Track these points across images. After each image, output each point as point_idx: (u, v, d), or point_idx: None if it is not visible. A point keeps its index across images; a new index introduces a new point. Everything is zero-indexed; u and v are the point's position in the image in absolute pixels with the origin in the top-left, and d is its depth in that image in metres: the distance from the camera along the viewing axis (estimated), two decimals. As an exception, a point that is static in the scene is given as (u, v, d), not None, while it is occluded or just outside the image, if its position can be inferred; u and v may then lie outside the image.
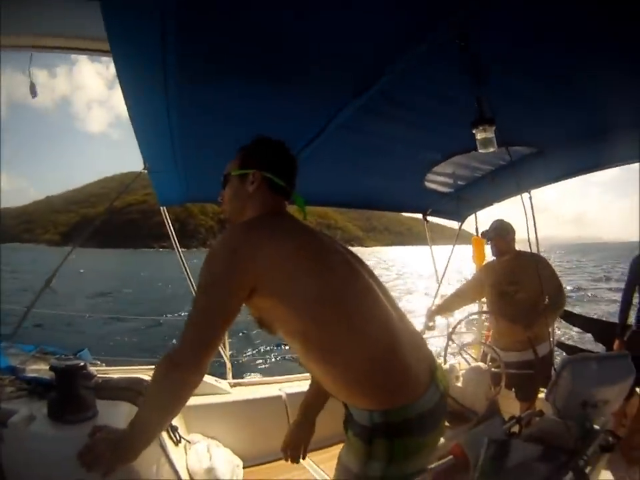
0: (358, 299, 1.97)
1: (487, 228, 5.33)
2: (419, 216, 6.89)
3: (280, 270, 1.89)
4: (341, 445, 4.15)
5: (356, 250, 2.60)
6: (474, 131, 2.62)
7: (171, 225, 5.09)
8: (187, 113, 3.15)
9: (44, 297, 4.00)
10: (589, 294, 40.91)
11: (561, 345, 6.10)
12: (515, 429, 2.58)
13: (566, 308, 5.54)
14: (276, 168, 2.33)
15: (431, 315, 5.38)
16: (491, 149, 2.65)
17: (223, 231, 2.01)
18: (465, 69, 2.34)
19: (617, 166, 5.30)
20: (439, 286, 6.87)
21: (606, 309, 30.52)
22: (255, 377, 5.28)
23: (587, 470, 2.17)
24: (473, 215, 6.99)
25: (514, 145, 4.51)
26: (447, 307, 5.56)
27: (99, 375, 3.20)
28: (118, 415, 2.67)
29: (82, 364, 2.52)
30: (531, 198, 6.12)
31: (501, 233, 5.08)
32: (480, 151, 2.69)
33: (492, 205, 6.71)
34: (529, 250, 4.87)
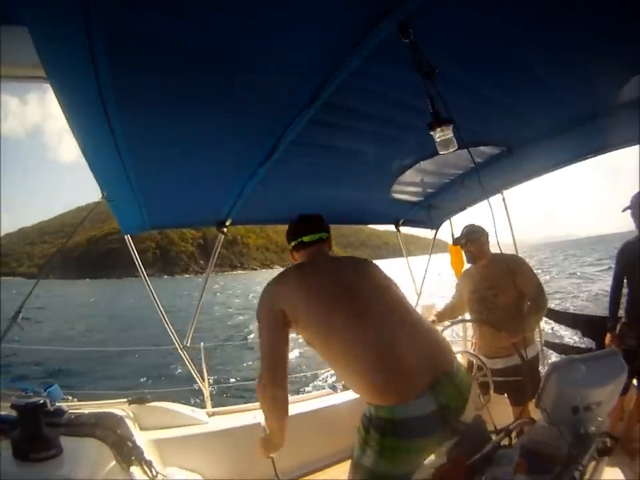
0: (345, 326, 2.51)
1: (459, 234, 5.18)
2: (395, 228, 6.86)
3: (291, 311, 2.62)
4: (326, 472, 4.09)
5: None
6: (432, 133, 2.53)
7: (136, 253, 4.88)
8: (134, 140, 3.03)
9: (25, 331, 3.93)
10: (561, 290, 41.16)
11: (550, 344, 6.03)
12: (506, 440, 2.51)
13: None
14: (290, 235, 3.19)
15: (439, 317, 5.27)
16: (452, 149, 2.56)
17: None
18: (414, 69, 2.28)
19: (585, 159, 5.30)
20: (418, 297, 6.76)
21: (582, 303, 30.89)
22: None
23: (585, 478, 2.07)
24: (449, 222, 6.93)
25: (481, 145, 4.51)
26: (440, 319, 5.37)
27: (70, 411, 3.17)
28: (84, 452, 2.69)
29: (42, 401, 2.62)
30: (504, 199, 6.14)
31: (471, 238, 4.91)
32: (440, 152, 2.60)
33: (465, 209, 6.67)
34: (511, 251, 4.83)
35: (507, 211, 6.41)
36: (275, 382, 2.59)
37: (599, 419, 2.58)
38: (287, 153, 3.56)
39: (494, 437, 2.52)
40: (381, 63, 2.53)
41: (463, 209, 6.62)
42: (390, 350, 2.40)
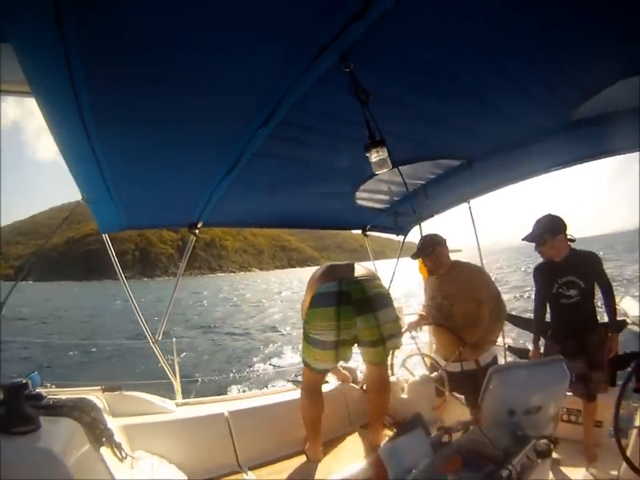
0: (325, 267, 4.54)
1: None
2: (371, 233, 6.99)
3: None
4: (285, 462, 4.19)
5: (312, 269, 4.84)
6: (367, 155, 2.71)
7: (114, 252, 4.97)
8: (111, 146, 3.15)
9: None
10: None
11: (512, 349, 6.09)
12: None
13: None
14: None
15: (410, 326, 5.25)
16: (386, 169, 2.76)
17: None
18: (353, 93, 2.50)
19: (542, 174, 5.51)
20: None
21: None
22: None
23: (514, 477, 2.12)
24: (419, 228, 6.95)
25: (441, 158, 4.67)
26: (419, 322, 5.36)
27: (49, 397, 3.29)
28: (61, 429, 2.84)
29: (24, 382, 2.80)
30: (470, 208, 6.24)
31: (425, 252, 4.99)
32: (375, 172, 2.80)
33: (432, 217, 6.77)
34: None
35: (472, 219, 6.47)
36: None
37: (540, 422, 2.66)
38: (252, 163, 3.71)
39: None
40: (329, 86, 2.66)
41: (430, 216, 6.73)
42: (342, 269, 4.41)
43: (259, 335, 28.80)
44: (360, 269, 4.32)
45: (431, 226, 6.38)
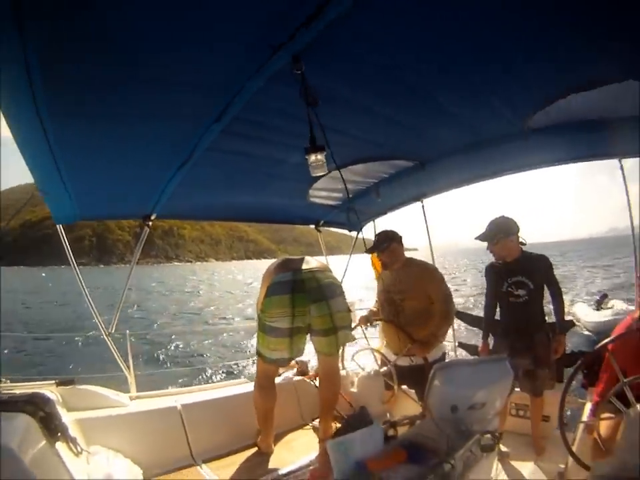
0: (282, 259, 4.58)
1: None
2: (329, 228, 7.09)
3: None
4: (238, 455, 4.21)
5: (268, 262, 4.85)
6: (306, 157, 2.81)
7: (67, 243, 4.90)
8: (65, 141, 3.14)
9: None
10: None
11: (463, 345, 6.18)
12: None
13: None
14: None
15: (361, 321, 5.34)
16: (322, 173, 2.89)
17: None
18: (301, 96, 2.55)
19: (494, 178, 5.64)
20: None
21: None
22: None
23: (457, 471, 2.14)
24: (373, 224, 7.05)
25: (394, 159, 4.74)
26: (370, 316, 5.45)
27: (2, 392, 3.41)
28: (15, 425, 2.77)
29: None
30: (423, 207, 6.34)
31: (380, 247, 5.03)
32: (312, 174, 2.91)
33: (385, 214, 6.83)
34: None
35: (425, 218, 6.55)
36: None
37: (485, 418, 2.69)
38: (205, 157, 3.74)
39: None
40: (283, 84, 2.65)
41: (383, 213, 6.79)
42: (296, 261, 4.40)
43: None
44: (313, 262, 4.35)
45: (389, 224, 6.42)
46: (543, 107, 3.58)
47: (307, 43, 2.36)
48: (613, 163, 4.83)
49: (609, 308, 20.43)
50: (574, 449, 3.52)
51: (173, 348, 21.60)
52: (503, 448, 4.64)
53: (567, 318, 4.93)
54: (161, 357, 19.72)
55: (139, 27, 2.13)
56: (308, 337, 4.27)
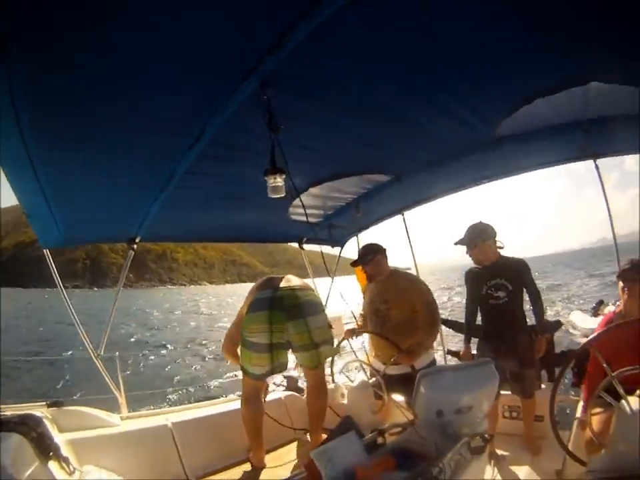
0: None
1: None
2: (319, 248, 6.99)
3: None
4: (231, 471, 4.18)
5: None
6: (265, 178, 2.87)
7: (54, 266, 4.86)
8: (49, 166, 3.20)
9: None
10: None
11: (452, 353, 6.18)
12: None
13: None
14: None
15: (347, 334, 5.27)
16: (280, 195, 2.93)
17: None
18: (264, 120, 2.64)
19: (470, 187, 5.77)
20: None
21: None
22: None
23: (447, 474, 2.13)
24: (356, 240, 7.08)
25: (370, 173, 4.78)
26: (354, 329, 5.39)
27: None
28: (7, 445, 2.86)
29: None
30: (404, 219, 6.36)
31: (365, 260, 5.03)
32: (270, 196, 2.93)
33: (367, 229, 6.88)
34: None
35: (406, 230, 6.59)
36: (225, 351, 4.96)
37: (473, 421, 2.70)
38: (185, 180, 3.80)
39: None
40: (255, 107, 2.67)
41: (365, 228, 6.82)
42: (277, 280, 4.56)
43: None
44: (295, 280, 4.45)
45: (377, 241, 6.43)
46: (509, 114, 3.63)
47: (274, 68, 2.43)
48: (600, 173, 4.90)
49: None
50: (570, 446, 3.51)
51: (165, 369, 21.47)
52: (499, 452, 4.63)
53: (556, 321, 4.93)
54: (151, 377, 19.46)
55: (117, 48, 2.17)
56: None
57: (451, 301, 44.16)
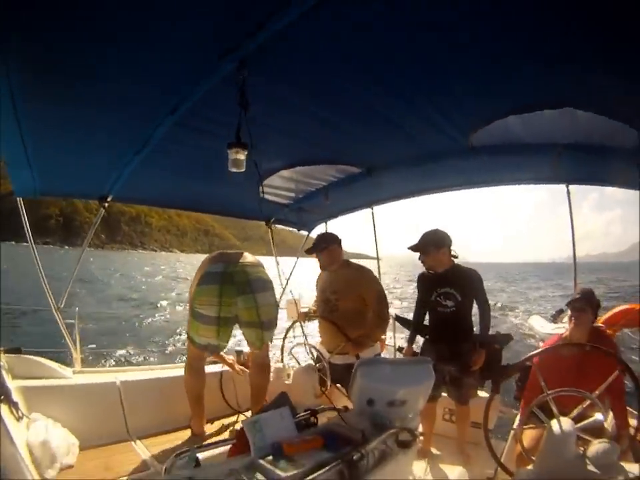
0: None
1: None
2: (293, 229, 7.16)
3: None
4: (171, 435, 4.21)
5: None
6: (228, 151, 2.90)
7: (26, 217, 4.84)
8: (33, 118, 3.24)
9: None
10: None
11: (402, 350, 6.24)
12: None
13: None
14: None
15: (301, 316, 5.39)
16: (239, 169, 2.96)
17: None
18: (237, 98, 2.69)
19: (441, 192, 5.81)
20: (282, 293, 6.76)
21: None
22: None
23: (369, 461, 2.20)
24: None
25: (341, 163, 4.81)
26: (307, 313, 5.49)
27: None
28: None
29: None
30: (373, 214, 6.45)
31: (319, 248, 5.07)
32: (230, 169, 2.96)
33: (336, 217, 6.92)
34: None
35: (374, 224, 6.71)
36: None
37: (405, 416, 2.75)
38: (160, 147, 3.83)
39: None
40: (233, 86, 2.70)
41: (334, 216, 6.87)
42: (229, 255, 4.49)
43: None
44: (248, 257, 4.43)
45: (351, 230, 6.47)
46: (482, 126, 3.68)
47: (252, 51, 2.47)
48: (577, 194, 4.97)
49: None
50: (503, 455, 3.66)
51: (121, 329, 21.52)
52: (435, 451, 4.79)
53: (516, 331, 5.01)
54: (108, 336, 19.51)
55: (98, 16, 2.23)
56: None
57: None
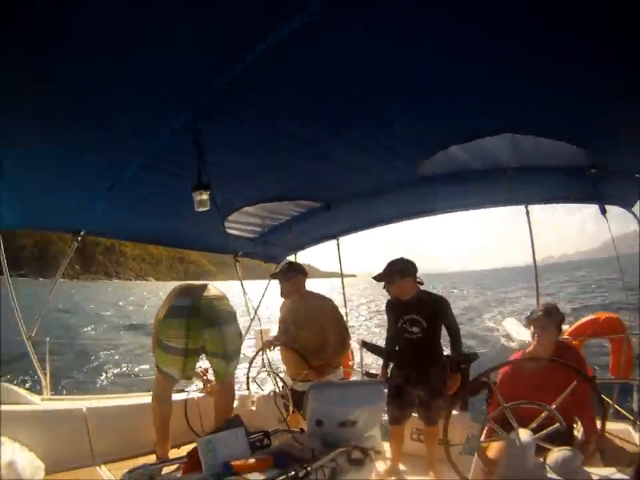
0: None
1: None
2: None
3: None
4: (136, 459, 4.29)
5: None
6: (193, 194, 3.04)
7: (3, 252, 4.87)
8: (12, 150, 3.27)
9: None
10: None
11: (369, 374, 6.31)
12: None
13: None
14: None
15: (265, 345, 5.32)
16: (205, 209, 3.08)
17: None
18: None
19: (397, 222, 6.09)
20: (251, 321, 6.93)
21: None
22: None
23: (317, 477, 2.31)
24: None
25: (302, 199, 4.99)
26: (272, 342, 5.36)
27: None
28: None
29: None
30: (338, 245, 6.67)
31: (284, 277, 5.14)
32: (197, 209, 3.10)
33: (303, 249, 7.08)
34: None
35: (339, 252, 6.94)
36: None
37: (357, 435, 2.85)
38: (128, 186, 3.96)
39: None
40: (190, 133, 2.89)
41: (300, 248, 7.03)
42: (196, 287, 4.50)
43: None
44: (211, 289, 4.50)
45: (325, 249, 6.58)
46: (427, 157, 3.87)
47: (204, 104, 2.69)
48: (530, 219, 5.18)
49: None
50: (472, 469, 3.73)
51: (91, 357, 21.40)
52: (402, 467, 4.91)
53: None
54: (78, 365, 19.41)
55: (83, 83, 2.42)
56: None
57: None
